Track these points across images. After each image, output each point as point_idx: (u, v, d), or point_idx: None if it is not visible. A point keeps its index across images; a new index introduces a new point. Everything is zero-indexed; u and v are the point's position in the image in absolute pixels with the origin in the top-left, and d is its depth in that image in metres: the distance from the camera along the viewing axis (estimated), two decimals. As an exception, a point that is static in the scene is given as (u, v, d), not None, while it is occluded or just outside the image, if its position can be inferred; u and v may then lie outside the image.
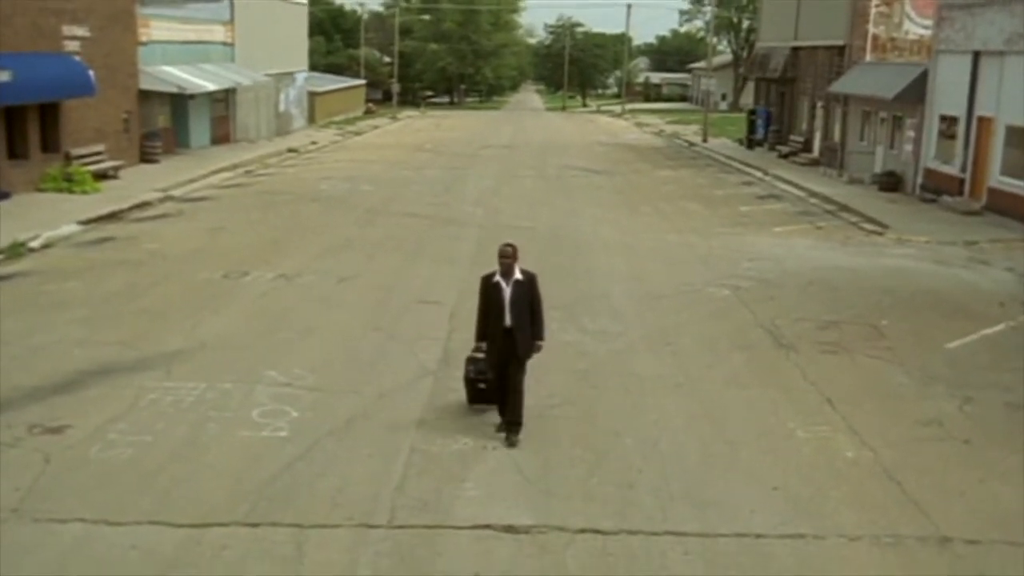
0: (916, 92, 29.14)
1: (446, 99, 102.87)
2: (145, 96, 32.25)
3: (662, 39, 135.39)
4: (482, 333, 9.98)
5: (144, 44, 32.14)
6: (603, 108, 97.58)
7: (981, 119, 25.81)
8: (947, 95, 27.65)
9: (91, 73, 26.53)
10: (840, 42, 35.89)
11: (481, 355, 10.11)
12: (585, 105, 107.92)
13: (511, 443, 9.62)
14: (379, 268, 18.05)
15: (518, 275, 9.76)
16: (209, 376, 11.58)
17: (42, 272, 17.25)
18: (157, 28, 33.40)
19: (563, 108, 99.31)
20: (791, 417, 10.77)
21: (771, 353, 13.24)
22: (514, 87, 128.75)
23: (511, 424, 9.75)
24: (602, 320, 14.66)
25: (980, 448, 10.09)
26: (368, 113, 72.81)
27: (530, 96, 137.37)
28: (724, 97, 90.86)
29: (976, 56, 26.10)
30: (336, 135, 51.11)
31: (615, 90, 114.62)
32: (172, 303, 15.13)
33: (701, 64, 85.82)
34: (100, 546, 7.62)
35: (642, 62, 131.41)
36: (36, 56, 24.68)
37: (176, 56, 34.64)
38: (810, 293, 16.82)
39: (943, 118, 28.01)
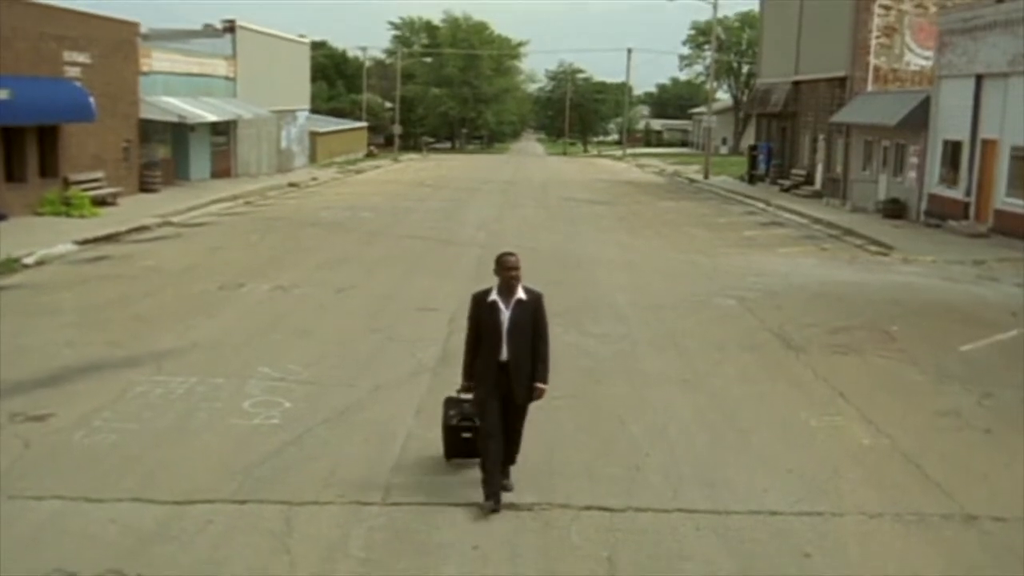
0: (919, 118, 29.04)
1: (448, 144, 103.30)
2: (146, 126, 32.19)
3: (662, 87, 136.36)
4: (470, 369, 7.78)
5: (145, 74, 32.16)
6: (604, 153, 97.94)
7: (985, 142, 25.66)
8: (950, 120, 27.54)
9: (91, 99, 26.46)
10: (841, 74, 35.93)
11: (467, 396, 7.96)
12: (586, 151, 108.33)
13: (495, 494, 7.46)
14: (378, 281, 17.73)
15: (521, 294, 7.57)
16: (200, 371, 11.20)
17: (34, 285, 16.92)
18: (159, 59, 33.47)
19: (564, 153, 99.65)
20: (803, 408, 10.38)
21: (780, 353, 12.86)
22: (515, 134, 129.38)
23: (504, 462, 7.74)
24: (606, 324, 14.31)
25: (1002, 437, 9.67)
26: (370, 155, 72.94)
27: (531, 144, 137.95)
28: (724, 141, 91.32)
29: (979, 79, 26.03)
30: (337, 173, 51.06)
31: (616, 136, 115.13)
32: (165, 310, 14.79)
33: (701, 109, 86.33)
34: (77, 521, 7.20)
35: (643, 109, 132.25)
36: (36, 80, 24.61)
37: (178, 88, 34.67)
38: (817, 303, 16.48)
39: (946, 143, 27.86)
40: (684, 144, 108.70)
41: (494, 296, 7.62)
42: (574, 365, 11.81)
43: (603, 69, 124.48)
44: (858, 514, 7.61)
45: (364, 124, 78.07)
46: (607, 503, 7.67)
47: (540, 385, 7.66)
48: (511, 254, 7.68)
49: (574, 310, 14.98)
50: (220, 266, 19.05)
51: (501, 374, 7.51)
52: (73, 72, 26.86)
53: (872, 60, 34.96)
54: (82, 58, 27.39)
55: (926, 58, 33.48)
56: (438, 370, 11.41)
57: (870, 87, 34.81)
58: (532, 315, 7.59)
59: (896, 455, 9.00)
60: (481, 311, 7.63)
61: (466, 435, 8.12)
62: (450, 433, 8.25)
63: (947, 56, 28.03)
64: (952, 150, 27.51)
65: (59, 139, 26.35)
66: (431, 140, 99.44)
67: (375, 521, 7.28)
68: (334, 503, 7.58)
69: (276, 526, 7.15)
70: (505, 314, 7.54)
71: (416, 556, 6.75)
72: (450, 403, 8.28)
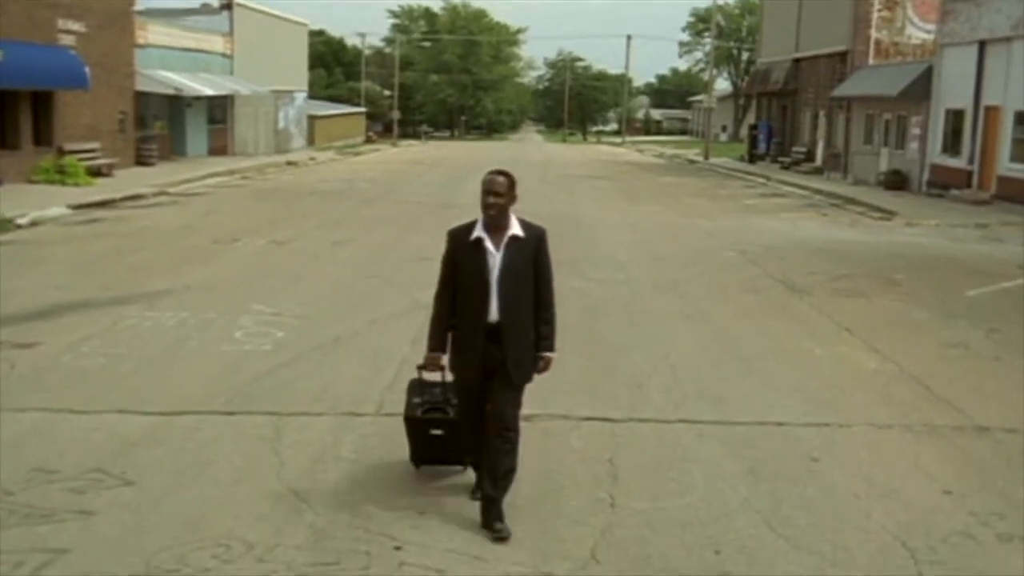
0: (921, 88, 28.78)
1: (447, 133, 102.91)
2: (142, 99, 31.92)
3: (662, 78, 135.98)
4: (440, 336, 5.62)
5: (141, 47, 31.87)
6: (603, 141, 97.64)
7: (988, 108, 25.41)
8: (953, 88, 27.28)
9: (86, 68, 26.17)
10: (842, 48, 35.64)
11: (437, 378, 5.88)
12: (585, 140, 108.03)
13: (496, 532, 5.30)
14: (374, 237, 17.53)
15: (516, 229, 5.50)
16: (191, 308, 10.98)
17: (27, 241, 16.70)
18: (155, 33, 33.19)
19: (563, 141, 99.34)
20: (807, 339, 10.17)
21: (783, 295, 12.65)
22: (514, 126, 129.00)
23: (495, 490, 5.42)
24: (607, 272, 14.09)
25: (1011, 364, 9.44)
26: (368, 141, 72.58)
27: (531, 135, 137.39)
28: (724, 128, 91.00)
29: (982, 46, 25.77)
30: (336, 155, 50.77)
31: (615, 126, 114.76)
32: (158, 261, 14.56)
33: (701, 97, 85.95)
34: (61, 428, 6.98)
35: (643, 99, 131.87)
36: (30, 45, 24.33)
37: (174, 62, 34.38)
38: (820, 256, 16.27)
39: (949, 112, 27.61)
40: (684, 133, 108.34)
41: (479, 232, 5.47)
42: (574, 305, 11.50)
43: (603, 59, 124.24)
44: (867, 425, 7.41)
45: (363, 110, 77.71)
46: (608, 415, 7.46)
47: (547, 354, 5.59)
48: (500, 172, 5.49)
49: (575, 261, 14.71)
50: (215, 226, 18.83)
51: (490, 343, 5.43)
52: (68, 40, 26.58)
53: (873, 34, 34.68)
54: (77, 27, 27.10)
55: (928, 31, 33.18)
56: (435, 307, 11.17)
57: (871, 61, 34.52)
58: (533, 257, 5.51)
59: (904, 378, 8.79)
60: (460, 252, 5.51)
61: (436, 431, 5.98)
62: (414, 428, 6.07)
63: (950, 24, 27.76)
64: (954, 119, 27.25)
65: (53, 108, 26.09)
66: (430, 130, 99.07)
67: (367, 429, 7.07)
68: (326, 414, 7.37)
69: (265, 433, 6.94)
70: (495, 257, 5.43)
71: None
72: (415, 387, 6.13)
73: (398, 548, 5.19)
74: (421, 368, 5.88)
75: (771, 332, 10.49)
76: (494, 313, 5.45)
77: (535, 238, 5.56)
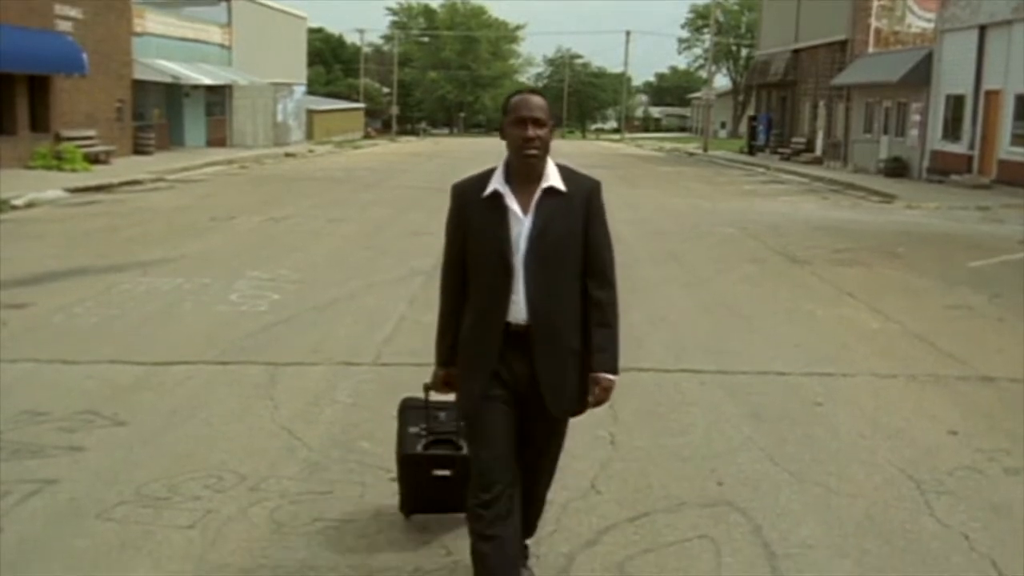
0: (921, 74, 28.70)
1: (445, 130, 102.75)
2: (140, 88, 31.79)
3: (661, 76, 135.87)
4: (451, 343, 3.74)
5: (139, 35, 31.76)
6: (602, 137, 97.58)
7: (989, 93, 25.32)
8: (953, 74, 27.19)
9: (83, 54, 26.06)
10: (842, 37, 35.56)
11: (446, 397, 4.02)
12: (584, 137, 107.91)
13: None
14: (371, 215, 17.46)
15: (554, 179, 3.51)
16: (187, 274, 10.89)
17: (24, 220, 16.59)
18: (152, 21, 33.07)
19: (562, 138, 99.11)
20: (808, 302, 10.07)
21: (784, 265, 12.56)
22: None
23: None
24: (605, 244, 13.98)
25: (1014, 325, 9.34)
26: (367, 136, 72.46)
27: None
28: (723, 125, 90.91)
29: (982, 30, 25.68)
30: (334, 148, 50.71)
31: (614, 124, 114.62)
32: (154, 235, 14.46)
33: (700, 93, 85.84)
34: (53, 377, 6.87)
35: (642, 98, 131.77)
36: (26, 30, 24.22)
37: (172, 52, 34.26)
38: (820, 233, 16.17)
39: (949, 98, 27.52)
40: (683, 130, 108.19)
41: (498, 184, 3.51)
42: (573, 272, 11.48)
43: (601, 57, 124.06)
44: (870, 375, 7.30)
45: (362, 106, 77.56)
46: (607, 365, 7.34)
47: (604, 376, 3.54)
48: (537, 92, 3.59)
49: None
50: (212, 206, 18.74)
51: (513, 355, 3.54)
52: (64, 26, 26.45)
53: (873, 23, 34.59)
54: (74, 13, 26.98)
55: (928, 20, 33.09)
56: (433, 273, 11.03)
57: (871, 50, 34.43)
58: (582, 224, 3.53)
59: (907, 335, 8.69)
60: (471, 216, 3.57)
61: (441, 472, 4.43)
62: (411, 469, 4.50)
63: (950, 9, 27.68)
64: (955, 104, 27.16)
65: (50, 94, 25.96)
66: (428, 127, 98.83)
67: (364, 376, 6.98)
68: (321, 364, 7.27)
69: (260, 380, 6.84)
70: (523, 221, 3.48)
71: (407, 403, 6.41)
72: (411, 412, 4.60)
73: (393, 479, 5.08)
74: (428, 389, 4.19)
75: (772, 296, 10.40)
76: (520, 310, 3.51)
77: (584, 194, 3.54)
